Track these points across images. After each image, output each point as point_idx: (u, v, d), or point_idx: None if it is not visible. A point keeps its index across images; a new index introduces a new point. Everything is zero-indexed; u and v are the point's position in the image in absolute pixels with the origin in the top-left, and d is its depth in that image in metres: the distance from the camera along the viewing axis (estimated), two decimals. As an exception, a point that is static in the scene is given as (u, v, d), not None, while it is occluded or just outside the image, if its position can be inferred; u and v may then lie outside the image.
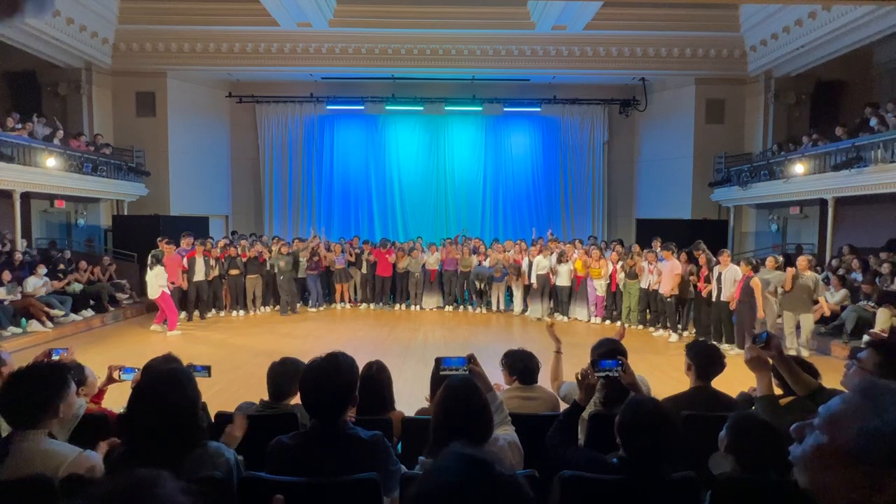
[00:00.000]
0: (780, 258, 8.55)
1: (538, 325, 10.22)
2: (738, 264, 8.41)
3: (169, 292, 9.16)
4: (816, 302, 8.06)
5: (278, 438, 1.98)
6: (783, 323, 7.97)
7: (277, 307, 11.40)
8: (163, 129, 14.21)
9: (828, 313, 8.40)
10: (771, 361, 2.24)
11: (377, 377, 2.98)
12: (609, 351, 3.03)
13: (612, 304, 10.45)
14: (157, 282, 9.00)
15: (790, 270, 7.97)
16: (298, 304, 11.45)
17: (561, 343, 3.53)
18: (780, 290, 8.05)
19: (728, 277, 8.24)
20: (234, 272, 10.82)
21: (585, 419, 2.61)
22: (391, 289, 11.76)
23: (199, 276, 10.29)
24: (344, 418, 1.97)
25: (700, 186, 14.44)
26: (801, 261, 7.97)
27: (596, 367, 2.42)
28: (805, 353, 7.32)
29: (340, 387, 1.94)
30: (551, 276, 10.63)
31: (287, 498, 1.86)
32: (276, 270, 11.09)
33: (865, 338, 7.36)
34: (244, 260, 10.96)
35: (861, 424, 0.85)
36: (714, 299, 8.48)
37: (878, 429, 0.83)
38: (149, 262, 9.17)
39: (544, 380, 3.37)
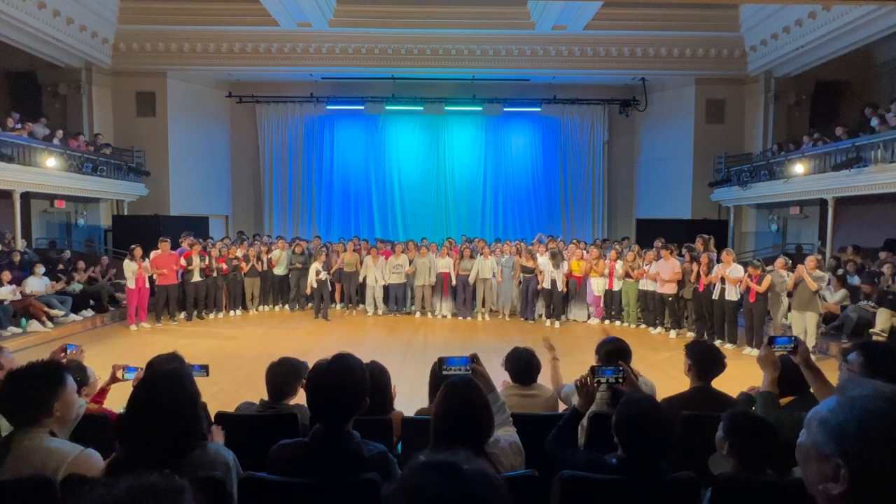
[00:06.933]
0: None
1: (538, 325, 10.23)
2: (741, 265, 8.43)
3: (134, 288, 9.41)
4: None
5: (280, 444, 1.96)
6: (791, 323, 7.94)
7: (276, 307, 11.52)
8: (163, 129, 14.22)
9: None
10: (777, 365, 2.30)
11: (376, 379, 2.95)
12: (612, 351, 3.05)
13: (610, 304, 10.42)
14: (126, 274, 9.45)
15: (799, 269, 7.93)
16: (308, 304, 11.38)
17: (555, 350, 3.69)
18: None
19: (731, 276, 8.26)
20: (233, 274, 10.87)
21: (584, 424, 2.61)
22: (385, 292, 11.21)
23: (199, 276, 10.27)
24: (348, 428, 1.90)
25: (700, 186, 14.45)
26: (810, 260, 7.88)
27: (596, 375, 2.42)
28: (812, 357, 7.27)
29: (351, 392, 1.87)
30: (544, 275, 10.44)
31: (288, 499, 1.86)
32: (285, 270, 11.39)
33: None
34: (243, 272, 10.95)
35: (819, 418, 0.94)
36: (717, 298, 8.50)
37: (829, 421, 0.92)
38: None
39: (544, 379, 3.37)
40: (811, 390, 2.32)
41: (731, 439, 2.01)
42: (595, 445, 2.49)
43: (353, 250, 11.45)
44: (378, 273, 10.87)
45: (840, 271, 9.47)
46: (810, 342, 7.46)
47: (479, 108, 15.29)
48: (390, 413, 2.93)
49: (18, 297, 8.70)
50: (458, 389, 1.88)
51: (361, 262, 11.22)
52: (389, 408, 2.99)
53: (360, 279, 11.17)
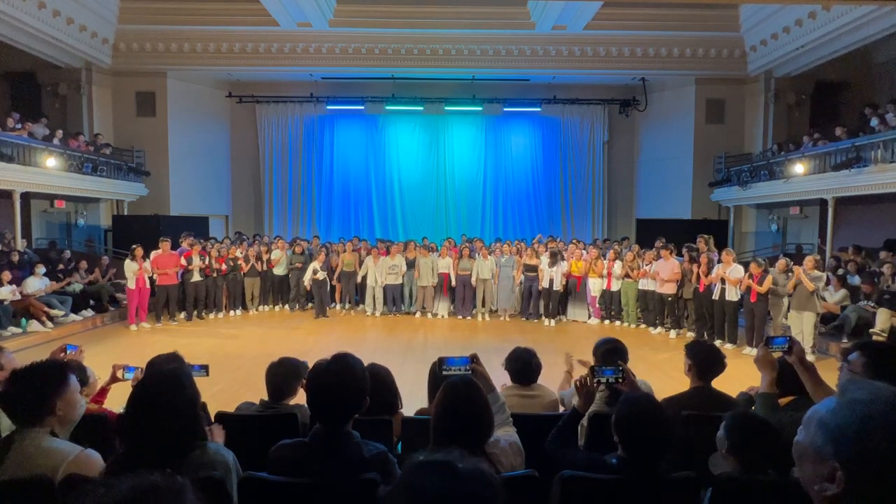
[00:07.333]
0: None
1: (537, 325, 10.23)
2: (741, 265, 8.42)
3: (135, 288, 9.41)
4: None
5: (280, 444, 1.96)
6: (790, 323, 7.93)
7: (276, 307, 11.49)
8: (163, 129, 14.22)
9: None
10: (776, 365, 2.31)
11: (383, 379, 2.94)
12: (610, 351, 3.05)
13: (609, 304, 10.39)
14: (127, 274, 9.45)
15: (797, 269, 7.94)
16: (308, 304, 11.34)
17: (573, 368, 3.65)
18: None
19: (731, 276, 8.27)
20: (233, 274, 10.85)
21: (585, 424, 2.61)
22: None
23: (199, 276, 10.27)
24: (348, 429, 1.90)
25: (700, 186, 14.45)
26: (809, 260, 7.88)
27: (595, 375, 2.42)
28: (810, 357, 7.29)
29: (351, 392, 1.87)
30: (543, 275, 10.41)
31: (287, 499, 1.86)
32: (286, 271, 11.37)
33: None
34: (243, 272, 10.93)
35: (818, 419, 0.94)
36: (717, 298, 8.49)
37: (828, 423, 0.92)
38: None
39: (544, 379, 3.37)
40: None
41: (731, 440, 2.01)
42: (595, 445, 2.49)
43: (353, 250, 11.43)
44: (378, 273, 10.88)
45: (840, 271, 9.47)
46: (808, 342, 7.46)
47: (479, 108, 15.29)
48: (396, 412, 2.93)
49: (18, 297, 8.70)
50: (458, 389, 1.88)
51: (361, 263, 11.22)
52: (400, 405, 2.99)
53: (360, 279, 11.17)
